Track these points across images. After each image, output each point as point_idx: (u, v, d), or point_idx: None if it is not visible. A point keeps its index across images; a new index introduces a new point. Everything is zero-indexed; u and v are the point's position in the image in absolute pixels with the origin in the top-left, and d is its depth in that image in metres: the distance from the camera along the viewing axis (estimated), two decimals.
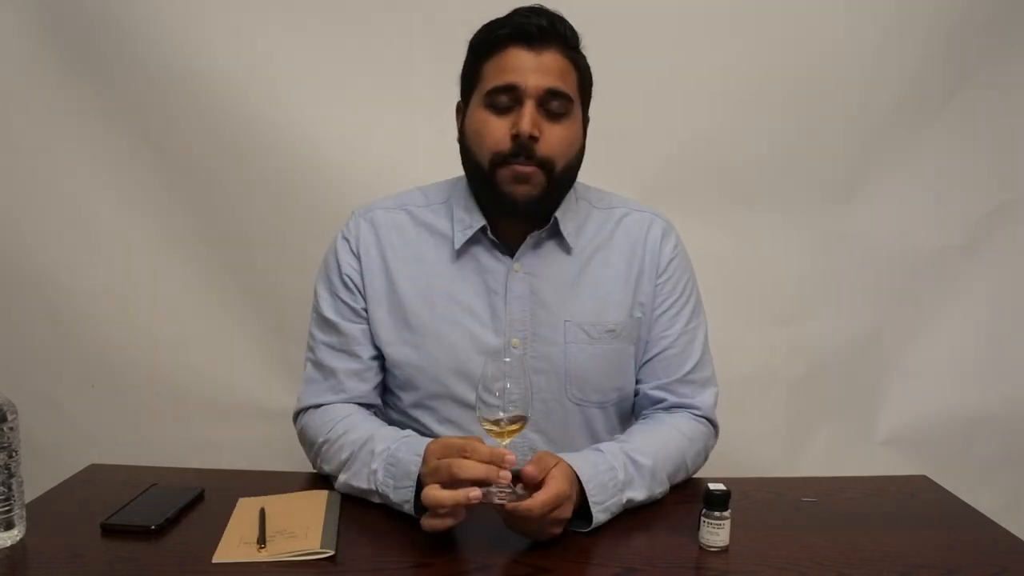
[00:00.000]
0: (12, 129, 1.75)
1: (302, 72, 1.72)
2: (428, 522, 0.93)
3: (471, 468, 0.91)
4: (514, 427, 0.97)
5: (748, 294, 1.82)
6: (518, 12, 1.13)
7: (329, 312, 1.22)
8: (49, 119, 1.74)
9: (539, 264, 1.19)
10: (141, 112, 1.73)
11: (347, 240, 1.23)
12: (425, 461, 0.98)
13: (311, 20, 1.71)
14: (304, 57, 1.72)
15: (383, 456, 1.04)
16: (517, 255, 1.18)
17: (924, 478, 1.23)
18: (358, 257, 1.21)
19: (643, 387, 1.24)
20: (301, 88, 1.72)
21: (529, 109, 1.09)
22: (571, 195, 1.21)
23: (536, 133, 1.09)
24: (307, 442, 1.21)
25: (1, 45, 1.70)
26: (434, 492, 0.91)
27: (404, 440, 1.05)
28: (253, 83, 1.71)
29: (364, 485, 1.06)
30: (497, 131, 1.11)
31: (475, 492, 0.89)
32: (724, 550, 0.96)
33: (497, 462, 0.92)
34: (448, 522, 0.92)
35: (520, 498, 0.92)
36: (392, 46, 1.72)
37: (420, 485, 0.98)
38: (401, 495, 1.01)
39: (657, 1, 1.74)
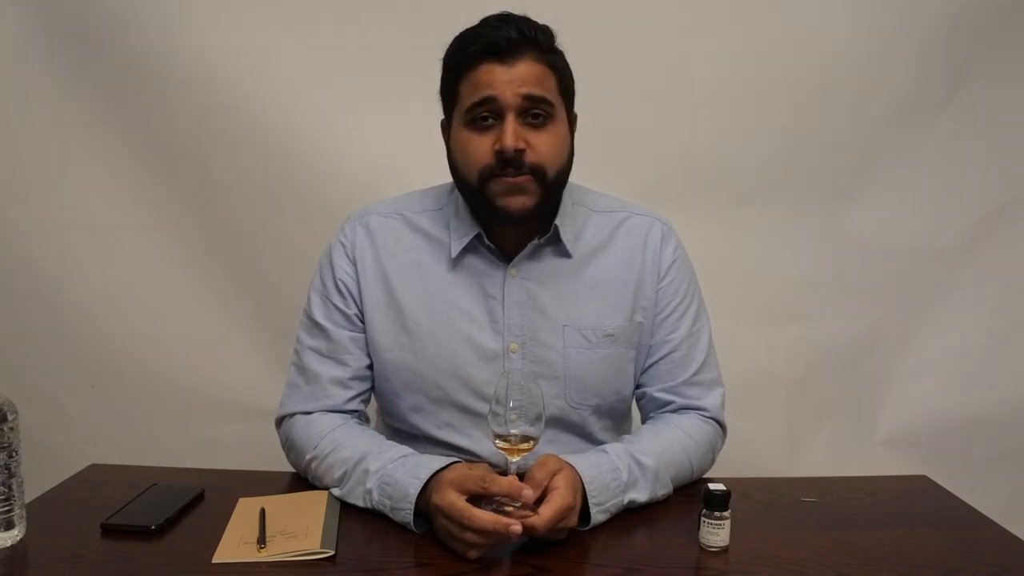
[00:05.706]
0: (12, 129, 1.74)
1: (302, 72, 1.71)
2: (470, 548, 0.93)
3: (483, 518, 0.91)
4: (525, 445, 0.98)
5: (747, 294, 1.82)
6: (487, 24, 1.10)
7: (320, 317, 1.21)
8: (49, 119, 1.73)
9: (536, 269, 1.18)
10: (141, 112, 1.73)
11: (343, 245, 1.22)
12: (439, 491, 0.95)
13: (310, 19, 1.70)
14: (303, 57, 1.71)
15: (377, 475, 1.04)
16: (514, 261, 1.18)
17: (924, 478, 1.23)
18: (354, 262, 1.21)
19: (650, 390, 1.24)
20: (302, 88, 1.72)
21: (510, 123, 1.07)
22: (567, 200, 1.20)
23: (521, 145, 1.08)
24: (293, 455, 1.20)
25: (1, 45, 1.70)
26: (480, 515, 0.91)
27: (401, 460, 1.05)
28: (254, 84, 1.70)
29: (360, 503, 1.05)
30: (480, 149, 1.10)
31: (517, 527, 0.90)
32: (724, 550, 0.96)
33: (515, 496, 0.93)
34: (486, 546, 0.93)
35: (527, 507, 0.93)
36: (391, 46, 1.71)
37: (417, 509, 0.98)
38: (400, 516, 1.00)
39: (655, 0, 1.74)
